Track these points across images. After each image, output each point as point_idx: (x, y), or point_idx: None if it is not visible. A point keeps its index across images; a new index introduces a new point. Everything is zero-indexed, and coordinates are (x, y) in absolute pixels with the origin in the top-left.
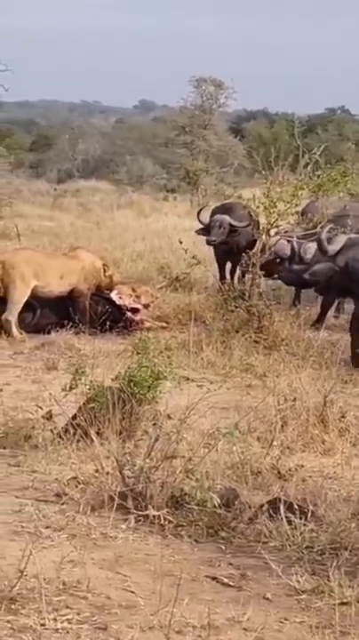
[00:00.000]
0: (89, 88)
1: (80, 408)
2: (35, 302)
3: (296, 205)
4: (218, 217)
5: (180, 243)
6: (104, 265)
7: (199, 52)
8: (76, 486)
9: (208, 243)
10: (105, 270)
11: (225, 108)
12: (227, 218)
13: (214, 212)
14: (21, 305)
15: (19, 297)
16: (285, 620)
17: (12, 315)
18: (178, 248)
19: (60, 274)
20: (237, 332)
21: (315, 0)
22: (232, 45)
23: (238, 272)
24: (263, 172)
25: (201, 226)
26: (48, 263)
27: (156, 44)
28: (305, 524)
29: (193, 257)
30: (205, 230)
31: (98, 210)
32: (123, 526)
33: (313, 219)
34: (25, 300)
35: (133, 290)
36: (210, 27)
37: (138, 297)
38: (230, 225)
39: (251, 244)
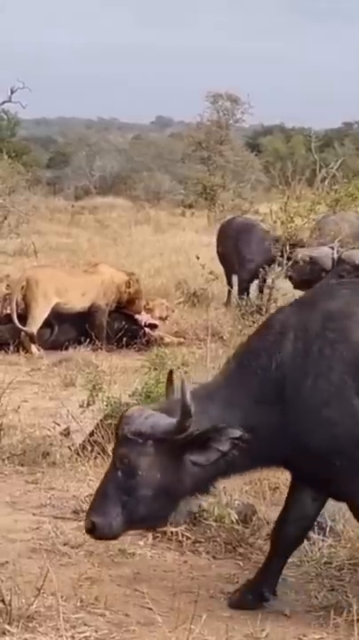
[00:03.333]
0: (106, 105)
1: (97, 424)
2: (53, 319)
3: (313, 220)
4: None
5: (197, 258)
6: (129, 281)
7: (215, 67)
8: None
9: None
10: (128, 285)
11: (241, 123)
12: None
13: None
14: (42, 321)
15: (41, 313)
16: (304, 636)
17: (32, 330)
18: (195, 264)
19: (82, 291)
20: None
21: (330, 13)
22: (248, 60)
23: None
24: (280, 187)
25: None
26: (70, 280)
27: (172, 61)
28: (323, 540)
29: (210, 272)
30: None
31: (115, 226)
32: (141, 543)
33: (329, 233)
34: (45, 316)
35: (147, 302)
36: (225, 42)
37: (151, 310)
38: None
39: (269, 259)
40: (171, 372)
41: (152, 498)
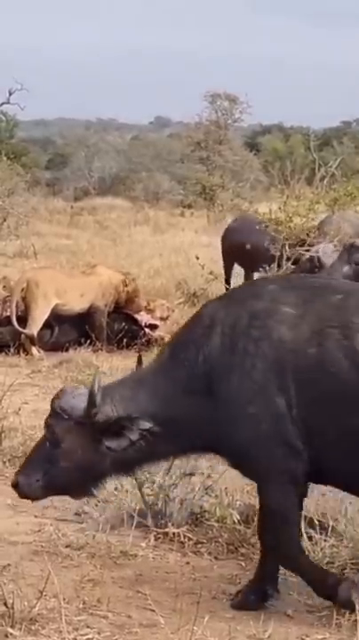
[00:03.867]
0: (105, 105)
1: None
2: (53, 320)
3: (312, 220)
4: None
5: (197, 259)
6: (124, 280)
7: (214, 67)
8: (96, 505)
9: None
10: (126, 284)
11: (240, 122)
12: None
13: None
14: (42, 323)
15: (41, 315)
16: (306, 636)
17: (32, 332)
18: (195, 264)
19: (81, 292)
20: None
21: (327, 12)
22: (246, 60)
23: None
24: (279, 186)
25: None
26: (69, 282)
27: (171, 61)
28: (325, 540)
29: (210, 272)
30: None
31: (115, 227)
32: (143, 544)
33: (329, 232)
34: (45, 318)
35: (148, 303)
36: (224, 42)
37: (152, 310)
38: None
39: (269, 258)
40: (140, 357)
41: (71, 470)
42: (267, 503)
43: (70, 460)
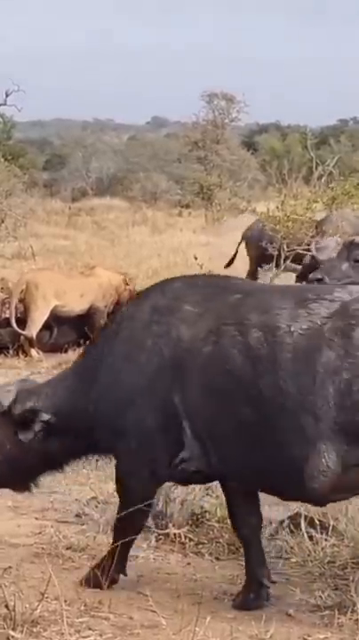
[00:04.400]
0: (102, 106)
1: None
2: (52, 322)
3: (309, 218)
4: None
5: (195, 259)
6: (124, 279)
7: (211, 67)
8: (96, 506)
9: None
10: (126, 283)
11: (237, 122)
12: None
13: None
14: (41, 324)
15: (40, 316)
16: (308, 636)
17: (32, 333)
18: (193, 264)
19: (80, 293)
20: None
21: (323, 11)
22: (243, 60)
23: None
24: (277, 186)
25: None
26: (68, 283)
27: (167, 61)
28: (326, 539)
29: (209, 272)
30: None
31: (113, 227)
32: (144, 545)
33: (328, 231)
34: (44, 319)
35: None
36: (221, 42)
37: None
38: None
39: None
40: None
41: (2, 463)
42: (127, 495)
43: (1, 452)
